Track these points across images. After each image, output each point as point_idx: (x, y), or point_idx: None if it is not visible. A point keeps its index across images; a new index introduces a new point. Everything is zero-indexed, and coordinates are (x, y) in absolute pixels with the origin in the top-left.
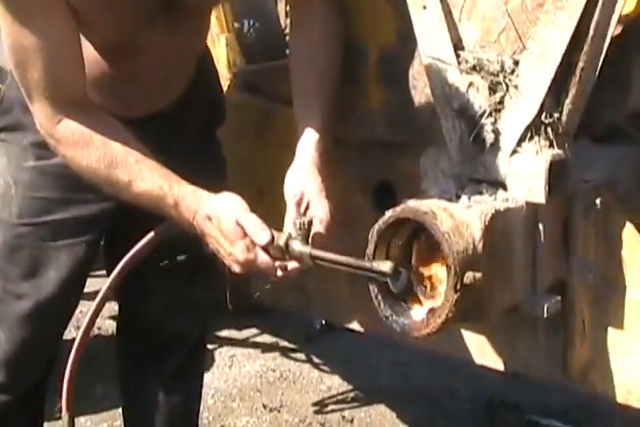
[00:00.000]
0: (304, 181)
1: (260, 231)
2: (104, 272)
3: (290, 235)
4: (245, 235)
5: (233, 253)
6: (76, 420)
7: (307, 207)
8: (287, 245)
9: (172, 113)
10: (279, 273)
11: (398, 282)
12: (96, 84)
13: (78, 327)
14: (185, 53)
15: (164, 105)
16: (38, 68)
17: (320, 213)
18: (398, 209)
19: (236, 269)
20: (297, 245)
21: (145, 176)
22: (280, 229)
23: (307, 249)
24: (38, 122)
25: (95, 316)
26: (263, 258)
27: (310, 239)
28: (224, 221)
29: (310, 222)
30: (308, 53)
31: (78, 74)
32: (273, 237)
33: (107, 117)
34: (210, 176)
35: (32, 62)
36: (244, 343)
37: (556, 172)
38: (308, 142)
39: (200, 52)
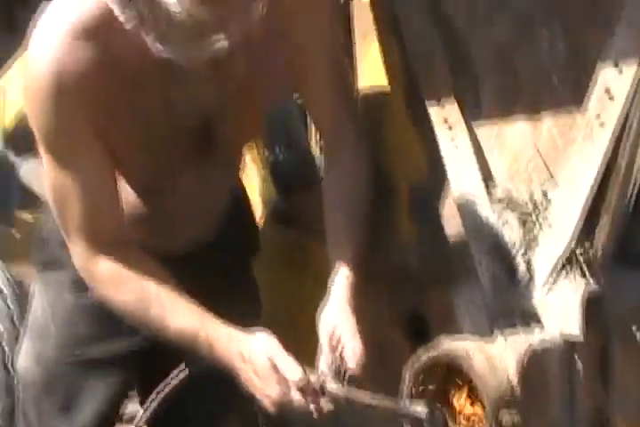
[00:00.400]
0: (337, 319)
1: (293, 370)
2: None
3: (323, 374)
4: (279, 376)
5: (266, 392)
6: None
7: (340, 345)
8: (321, 385)
9: (207, 248)
10: (315, 415)
11: (434, 422)
12: (130, 222)
13: None
14: (219, 190)
15: (199, 241)
16: (76, 208)
17: (353, 351)
18: (433, 351)
19: (269, 407)
20: (332, 387)
21: (179, 315)
22: (312, 363)
23: (341, 390)
24: (75, 260)
25: None
26: (298, 399)
27: (344, 378)
28: (257, 359)
29: (343, 361)
30: (339, 187)
31: (115, 214)
32: (306, 377)
33: (142, 256)
34: (244, 309)
35: (70, 203)
36: None
37: (591, 304)
38: (341, 280)
39: (233, 187)
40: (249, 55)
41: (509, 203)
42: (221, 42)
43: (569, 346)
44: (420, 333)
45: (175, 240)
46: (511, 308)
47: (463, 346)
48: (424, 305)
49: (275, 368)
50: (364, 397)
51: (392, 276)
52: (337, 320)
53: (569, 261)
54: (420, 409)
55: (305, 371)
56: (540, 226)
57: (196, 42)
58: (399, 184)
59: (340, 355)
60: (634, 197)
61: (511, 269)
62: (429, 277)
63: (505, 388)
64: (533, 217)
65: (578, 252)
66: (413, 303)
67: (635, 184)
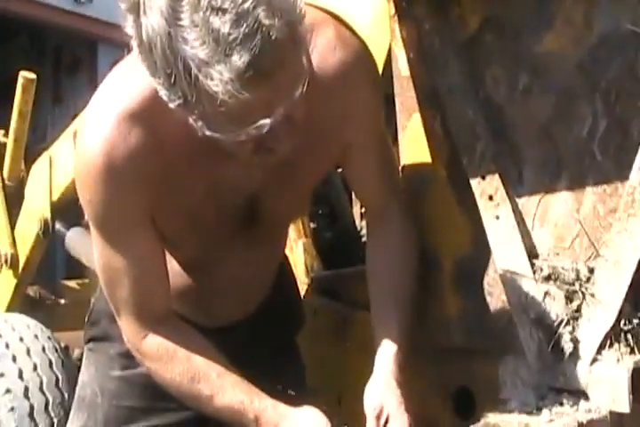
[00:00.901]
0: (383, 394)
1: None
2: None
3: None
4: None
5: None
6: None
7: (386, 421)
8: None
9: (252, 321)
10: None
11: None
12: (177, 296)
13: None
14: (264, 266)
15: (244, 315)
16: (126, 288)
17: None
18: (480, 426)
19: None
20: None
21: (226, 391)
22: None
23: None
24: (125, 336)
25: None
26: None
27: None
28: None
29: None
30: (384, 260)
31: (164, 293)
32: None
33: (190, 332)
34: (289, 382)
35: (121, 282)
36: None
37: (638, 378)
38: (386, 354)
39: (279, 262)
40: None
41: (554, 277)
42: (265, 123)
43: (617, 421)
44: (467, 407)
45: (220, 314)
46: (557, 381)
47: (510, 421)
48: (470, 379)
49: None
50: None
51: (438, 349)
52: (383, 395)
53: (615, 336)
54: None
55: None
56: (585, 300)
57: (241, 124)
58: (443, 258)
59: None
60: None
61: (557, 343)
62: (475, 350)
63: None
64: (578, 291)
65: (624, 326)
66: (459, 377)
67: None
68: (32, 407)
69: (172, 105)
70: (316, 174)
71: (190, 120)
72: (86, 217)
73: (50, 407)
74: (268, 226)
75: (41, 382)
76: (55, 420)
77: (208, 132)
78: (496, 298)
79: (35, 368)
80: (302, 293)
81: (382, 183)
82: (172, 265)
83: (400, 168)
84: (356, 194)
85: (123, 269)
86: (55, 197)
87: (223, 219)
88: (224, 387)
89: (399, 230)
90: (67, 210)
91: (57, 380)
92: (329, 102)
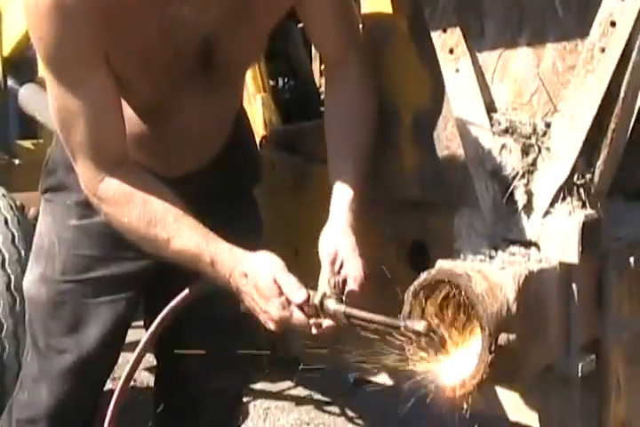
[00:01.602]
0: (338, 240)
1: (295, 290)
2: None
3: (324, 293)
4: (281, 293)
5: (268, 311)
6: None
7: (341, 266)
8: (322, 303)
9: (208, 172)
10: (314, 331)
11: (433, 342)
12: (134, 143)
13: (115, 378)
14: (221, 113)
15: (201, 164)
16: (82, 129)
17: (354, 271)
18: (433, 271)
19: (271, 326)
20: (331, 304)
21: (183, 234)
22: (315, 287)
23: (341, 307)
24: (82, 181)
25: (134, 369)
26: (298, 316)
27: (345, 298)
28: (261, 278)
29: (344, 281)
30: (341, 113)
31: (119, 135)
32: (308, 296)
33: (147, 176)
34: (246, 235)
35: (76, 124)
36: (278, 396)
37: (588, 231)
38: (342, 202)
39: (236, 112)
40: None
41: (511, 131)
42: None
43: (566, 272)
44: (422, 260)
45: (177, 163)
46: (511, 233)
47: (462, 266)
48: (425, 231)
49: (278, 287)
50: (363, 313)
51: (395, 203)
52: (338, 241)
53: (568, 190)
54: (418, 326)
55: (307, 290)
56: (540, 153)
57: None
58: (402, 111)
59: (341, 275)
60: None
61: (511, 195)
62: (431, 203)
63: (503, 309)
64: (534, 145)
65: (577, 181)
66: (415, 230)
67: (635, 115)
68: None
69: None
70: (270, 18)
71: None
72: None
73: (7, 264)
74: (224, 71)
75: None
76: (12, 277)
77: None
78: (453, 151)
79: None
80: (260, 148)
81: (340, 32)
82: (129, 112)
83: (360, 20)
84: (315, 45)
85: (77, 110)
86: (6, 53)
87: (178, 61)
88: (180, 230)
89: (357, 81)
90: (19, 66)
91: (13, 237)
92: None
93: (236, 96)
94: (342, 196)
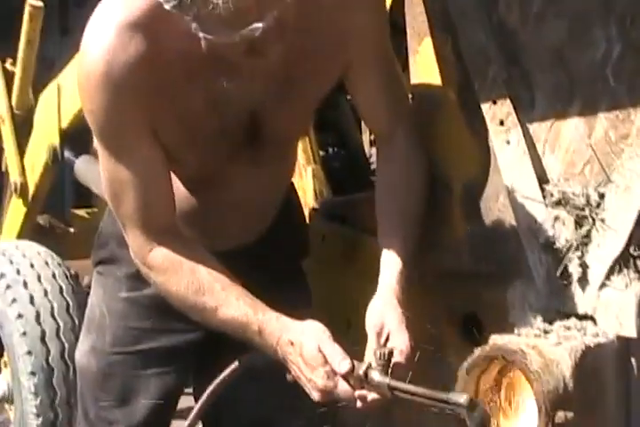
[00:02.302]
0: (384, 312)
1: (340, 360)
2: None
3: (370, 365)
4: (326, 363)
5: (313, 380)
6: None
7: (387, 338)
8: (366, 374)
9: (257, 246)
10: (359, 404)
11: (475, 415)
12: (183, 216)
13: None
14: (271, 187)
15: (250, 238)
16: (131, 199)
17: (400, 344)
18: (487, 347)
19: (316, 396)
20: (376, 376)
21: (231, 303)
22: (363, 359)
23: (385, 379)
24: (132, 250)
25: None
26: (343, 387)
27: (390, 370)
28: (306, 347)
29: (391, 353)
30: (391, 187)
31: (168, 204)
32: (353, 367)
33: (195, 245)
34: (295, 307)
35: (126, 194)
36: None
37: None
38: (390, 275)
39: (286, 185)
40: (290, 43)
41: (564, 202)
42: (258, 26)
43: (624, 346)
44: (475, 332)
45: (226, 236)
46: (566, 306)
47: (516, 342)
48: (478, 304)
49: (323, 356)
50: (408, 386)
51: (446, 274)
52: (384, 313)
53: (624, 262)
54: (460, 398)
55: (352, 361)
56: (595, 225)
57: (234, 26)
58: (453, 182)
59: (387, 347)
60: None
61: (566, 268)
62: (483, 275)
63: (559, 386)
64: (588, 216)
65: (633, 252)
66: (468, 302)
67: None
68: (44, 332)
69: (167, 6)
70: (317, 92)
71: (185, 19)
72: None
73: (61, 333)
74: (272, 144)
75: (52, 308)
76: (67, 345)
77: (201, 34)
78: (505, 223)
79: (45, 294)
80: (310, 219)
81: (388, 107)
82: (177, 185)
83: (411, 93)
84: (364, 119)
85: (126, 180)
86: (64, 125)
87: (225, 135)
88: (228, 299)
89: (406, 155)
90: (75, 138)
91: (67, 306)
92: (330, 20)
93: (287, 169)
94: (391, 269)
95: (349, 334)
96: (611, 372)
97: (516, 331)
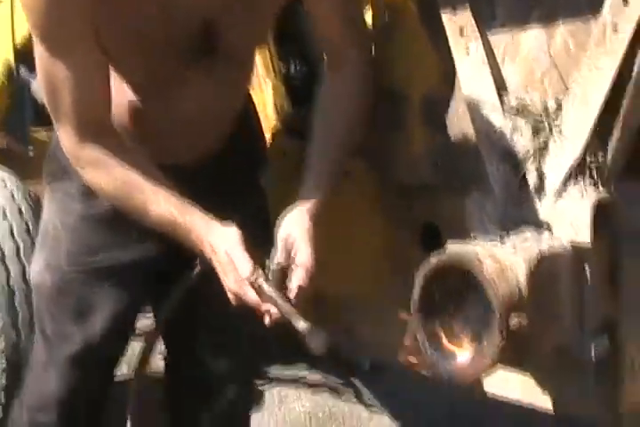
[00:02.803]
0: (294, 225)
1: (242, 264)
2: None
3: (260, 273)
4: (235, 267)
5: (227, 284)
6: None
7: (293, 251)
8: (256, 281)
9: (213, 162)
10: (266, 320)
11: (314, 342)
12: (136, 128)
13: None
14: (227, 99)
15: (205, 153)
16: (67, 96)
17: (302, 259)
18: (443, 255)
19: (232, 301)
20: (265, 286)
21: (160, 202)
22: None
23: (271, 291)
24: (64, 146)
25: (146, 356)
26: (251, 295)
27: (290, 283)
28: (220, 251)
29: (287, 266)
30: (328, 117)
31: (104, 102)
32: (253, 273)
33: (129, 145)
34: (252, 224)
35: (61, 91)
36: (293, 383)
37: (601, 212)
38: (310, 190)
39: (243, 97)
40: None
41: (522, 111)
42: None
43: (579, 254)
44: (434, 242)
45: (182, 150)
46: (522, 215)
47: (473, 250)
48: (436, 214)
49: (232, 261)
50: (279, 299)
51: (405, 186)
52: (294, 226)
53: (580, 170)
54: (301, 325)
55: (255, 267)
56: (552, 134)
57: None
58: (412, 93)
59: (285, 262)
60: None
61: (523, 177)
62: (441, 186)
63: (514, 292)
64: (546, 125)
65: (589, 161)
66: (426, 213)
67: None
68: (3, 253)
69: None
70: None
71: None
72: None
73: (21, 253)
74: (226, 55)
75: (11, 228)
76: (27, 265)
77: None
78: (464, 133)
79: (4, 214)
80: (271, 134)
81: (342, 28)
82: (128, 96)
83: (370, 2)
84: (316, 38)
85: (63, 79)
86: (18, 40)
87: (174, 42)
88: (158, 197)
89: (354, 78)
90: (31, 55)
91: (27, 226)
92: None
93: (244, 82)
94: (309, 184)
95: None
96: (566, 279)
97: (473, 240)
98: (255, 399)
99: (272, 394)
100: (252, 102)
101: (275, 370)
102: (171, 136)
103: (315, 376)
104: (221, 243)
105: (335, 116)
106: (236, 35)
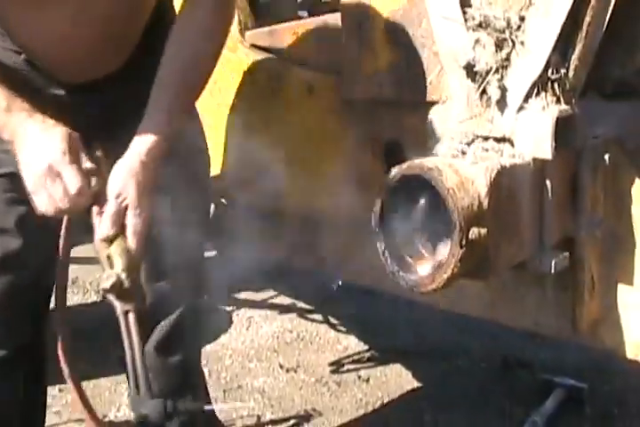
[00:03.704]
0: (127, 181)
1: (72, 181)
2: None
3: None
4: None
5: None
6: (96, 381)
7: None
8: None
9: (118, 76)
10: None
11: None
12: (19, 42)
13: None
14: (121, 5)
15: (107, 67)
16: None
17: (131, 227)
18: (404, 166)
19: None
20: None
21: None
22: None
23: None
24: None
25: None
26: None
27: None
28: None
29: (116, 236)
30: (184, 38)
31: None
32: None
33: None
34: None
35: None
36: (261, 305)
37: (562, 127)
38: (146, 136)
39: (146, 6)
40: None
41: (485, 25)
42: None
43: (540, 168)
44: (397, 159)
45: (76, 66)
46: (484, 129)
47: (434, 162)
48: (400, 131)
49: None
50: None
51: (369, 103)
52: (126, 182)
53: (542, 85)
54: (104, 282)
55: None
56: (514, 48)
57: None
58: (377, 11)
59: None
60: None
61: (485, 91)
62: (405, 102)
63: (474, 204)
64: (508, 39)
65: (551, 76)
66: (389, 130)
67: (610, 9)
68: None
69: None
70: None
71: None
72: None
73: None
74: None
75: None
76: None
77: None
78: (428, 49)
79: None
80: (236, 49)
81: None
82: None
83: None
84: None
85: None
86: None
87: None
88: None
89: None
90: None
91: None
92: None
93: None
94: (148, 128)
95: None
96: (526, 192)
97: (435, 154)
98: (217, 321)
99: (240, 316)
100: (173, 11)
101: (243, 294)
102: (67, 49)
103: (282, 299)
104: (42, 151)
105: (184, 52)
106: None
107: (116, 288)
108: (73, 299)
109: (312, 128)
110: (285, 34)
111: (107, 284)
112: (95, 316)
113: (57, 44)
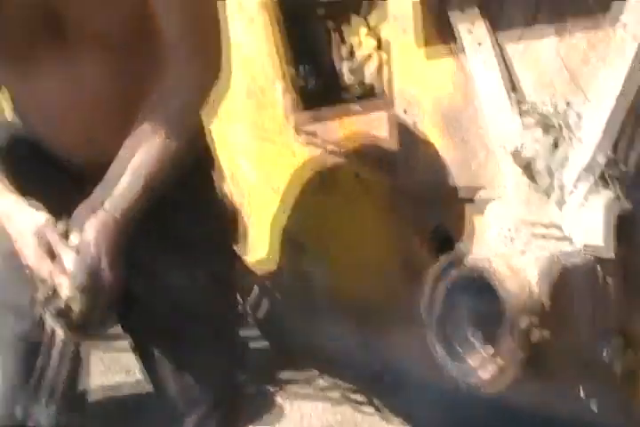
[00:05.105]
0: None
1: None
2: None
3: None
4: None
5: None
6: None
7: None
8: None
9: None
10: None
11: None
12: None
13: None
14: (92, 91)
15: (101, 148)
16: None
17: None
18: (451, 255)
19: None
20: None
21: None
22: None
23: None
24: None
25: None
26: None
27: None
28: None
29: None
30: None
31: None
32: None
33: None
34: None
35: None
36: (312, 396)
37: (617, 219)
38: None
39: (122, 93)
40: None
41: (534, 112)
42: None
43: (595, 261)
44: (445, 245)
45: (70, 141)
46: (533, 216)
47: (486, 256)
48: (447, 217)
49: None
50: None
51: (419, 191)
52: (96, 247)
53: (593, 172)
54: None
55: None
56: (565, 137)
57: None
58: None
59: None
60: None
61: (533, 177)
62: (456, 191)
63: (526, 294)
64: (558, 128)
65: (603, 163)
66: (437, 215)
67: None
68: None
69: None
70: None
71: None
72: None
73: None
74: (80, 42)
75: None
76: None
77: None
78: (476, 133)
79: None
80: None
81: (180, 39)
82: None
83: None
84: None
85: None
86: None
87: (18, 26)
88: None
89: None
90: None
91: None
92: None
93: (112, 73)
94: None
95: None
96: (580, 283)
97: (485, 242)
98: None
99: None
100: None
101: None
102: (49, 124)
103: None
104: (30, 236)
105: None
106: (85, 21)
107: (65, 314)
108: None
109: (359, 215)
110: (330, 119)
111: (58, 303)
112: None
113: (46, 117)
